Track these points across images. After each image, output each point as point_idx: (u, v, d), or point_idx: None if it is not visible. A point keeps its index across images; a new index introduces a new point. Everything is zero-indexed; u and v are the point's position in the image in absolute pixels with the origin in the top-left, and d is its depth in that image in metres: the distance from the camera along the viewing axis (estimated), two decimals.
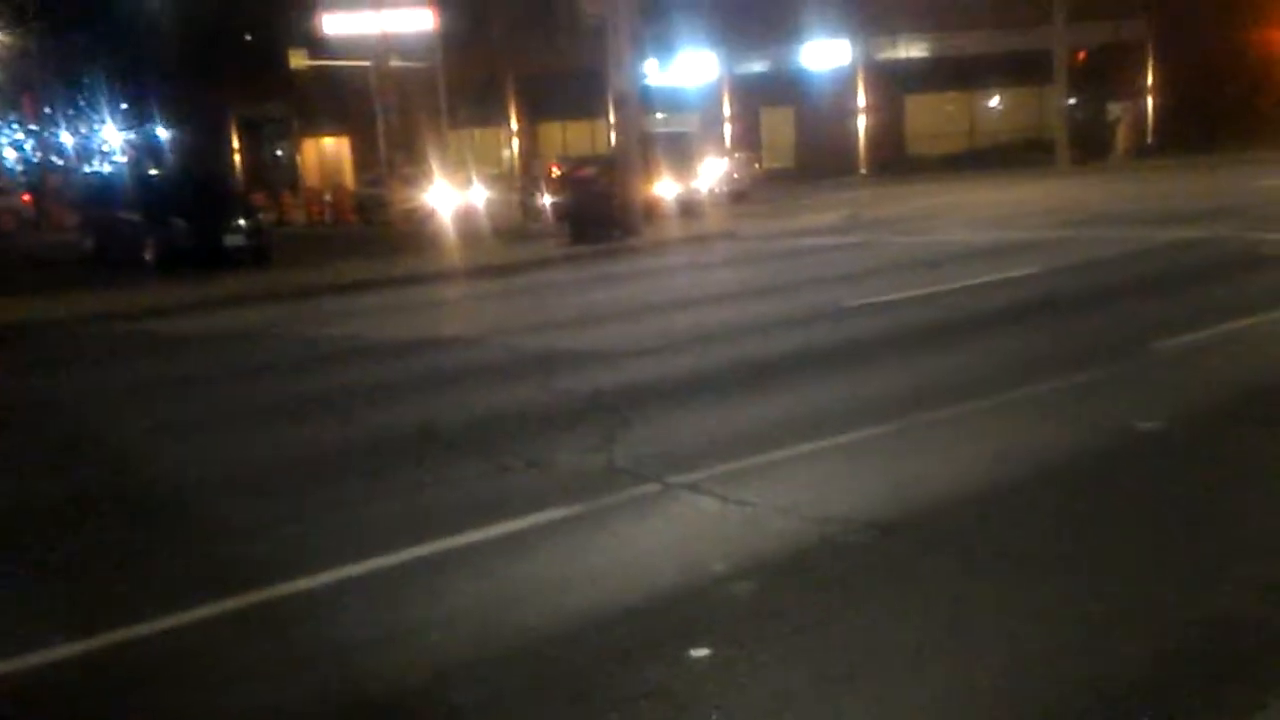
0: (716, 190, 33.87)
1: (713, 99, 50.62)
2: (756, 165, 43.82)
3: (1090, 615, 4.30)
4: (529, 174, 34.38)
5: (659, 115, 43.95)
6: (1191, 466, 6.11)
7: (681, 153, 31.98)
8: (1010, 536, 5.15)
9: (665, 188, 28.43)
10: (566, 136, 52.13)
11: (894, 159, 46.86)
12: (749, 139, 49.19)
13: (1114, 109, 45.97)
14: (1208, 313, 10.07)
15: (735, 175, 37.59)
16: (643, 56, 33.29)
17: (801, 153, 49.76)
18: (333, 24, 34.35)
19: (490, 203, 30.95)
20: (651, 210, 25.48)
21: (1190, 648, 4.03)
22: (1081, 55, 42.14)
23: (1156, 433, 6.71)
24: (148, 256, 21.73)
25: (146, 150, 66.18)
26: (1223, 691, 3.72)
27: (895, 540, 5.18)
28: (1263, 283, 12.10)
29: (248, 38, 52.78)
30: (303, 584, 5.09)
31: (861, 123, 48.65)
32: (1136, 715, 3.60)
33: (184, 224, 21.75)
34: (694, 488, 6.07)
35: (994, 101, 48.42)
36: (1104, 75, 44.02)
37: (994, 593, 4.57)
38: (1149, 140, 45.80)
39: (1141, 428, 6.79)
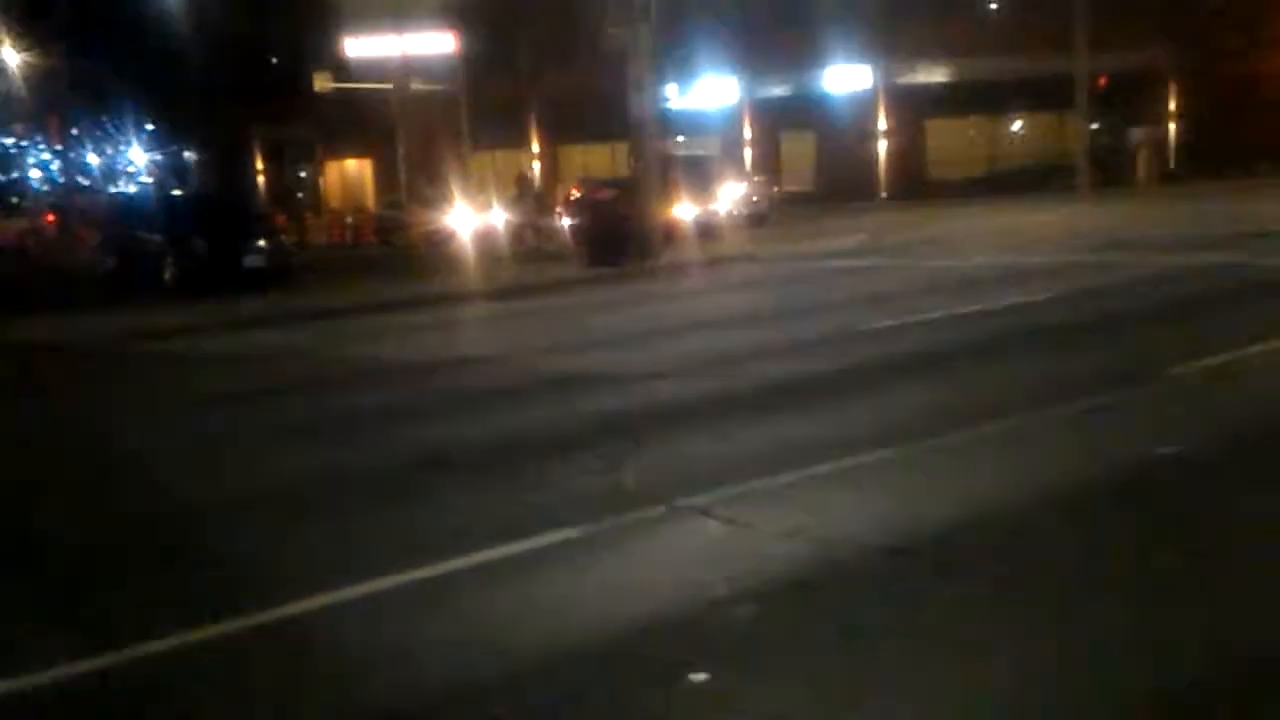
0: (735, 213, 33.83)
1: (733, 123, 50.72)
2: (776, 189, 43.80)
3: (1099, 642, 4.23)
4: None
5: (679, 138, 44.03)
6: (1208, 492, 6.02)
7: (701, 176, 31.95)
8: (1020, 561, 5.09)
9: (684, 211, 28.42)
10: (587, 159, 52.24)
11: (914, 183, 46.79)
12: (769, 163, 49.23)
13: (1136, 134, 45.83)
14: (1226, 338, 9.96)
15: (754, 199, 37.56)
16: (663, 80, 33.36)
17: (821, 177, 49.73)
18: (354, 47, 34.60)
19: (510, 225, 31.04)
20: (670, 233, 25.49)
21: (1200, 677, 3.96)
22: (1103, 81, 42.05)
23: (1173, 458, 6.63)
24: (167, 277, 21.84)
25: (171, 171, 66.74)
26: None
27: (902, 565, 5.12)
28: None
29: (272, 60, 53.24)
30: (312, 603, 5.07)
31: (882, 147, 48.62)
32: None
33: (204, 244, 21.85)
34: (702, 510, 6.03)
35: (1015, 126, 48.34)
36: (1126, 101, 43.92)
37: (1002, 618, 4.51)
38: (1171, 166, 45.62)
39: (1159, 453, 6.71)
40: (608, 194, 28.30)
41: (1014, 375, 9.42)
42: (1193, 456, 6.64)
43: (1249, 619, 4.40)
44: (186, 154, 66.65)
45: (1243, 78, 40.80)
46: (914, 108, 47.48)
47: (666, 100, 42.28)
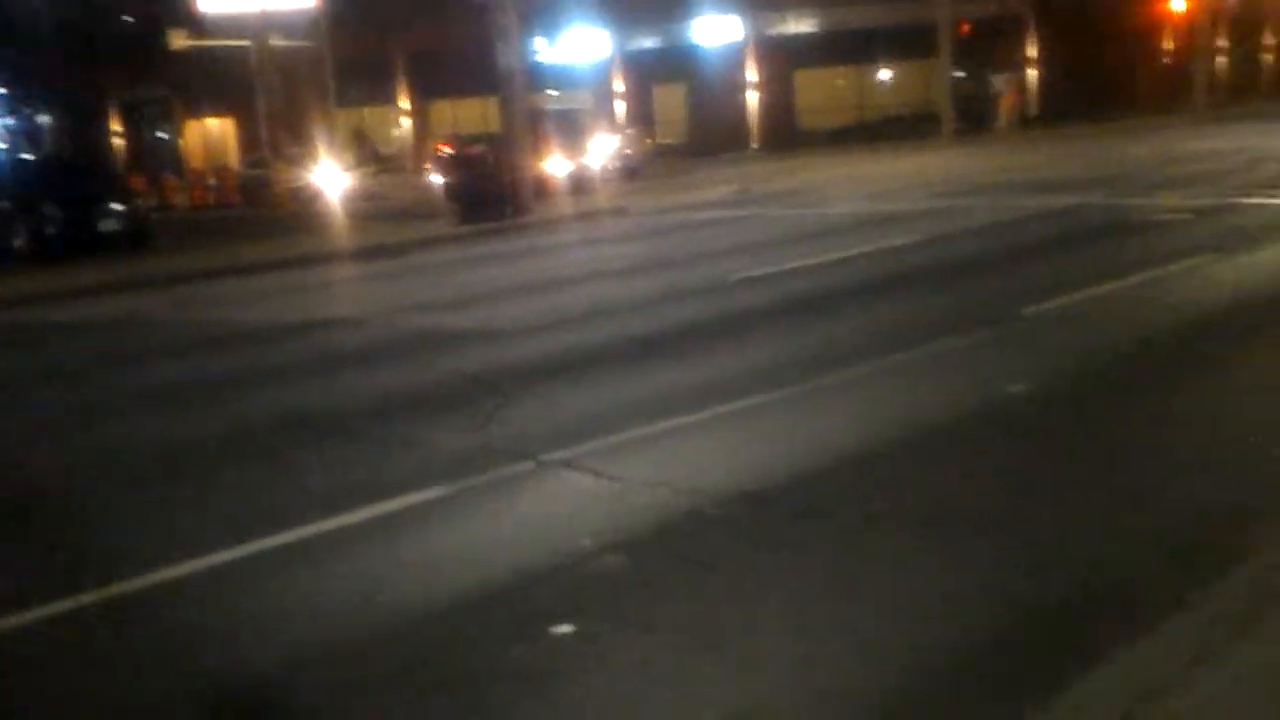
0: (608, 167, 33.74)
1: (604, 76, 50.49)
2: (648, 141, 43.80)
3: (957, 575, 4.37)
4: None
5: (552, 92, 43.65)
6: (1056, 426, 6.25)
7: (573, 130, 31.79)
8: (879, 501, 5.21)
9: (556, 165, 28.26)
10: (457, 115, 51.51)
11: (785, 134, 47.22)
12: (641, 115, 49.17)
13: (997, 80, 46.82)
14: (1077, 278, 10.30)
15: (627, 151, 37.49)
16: (531, 33, 32.92)
17: (693, 128, 49.89)
18: (210, 3, 33.38)
19: (380, 182, 30.52)
20: (542, 188, 25.32)
21: (1051, 604, 4.11)
22: (965, 28, 42.81)
23: (1024, 394, 6.85)
24: (18, 244, 21.04)
25: (24, 136, 63.93)
26: (1075, 648, 3.81)
27: (766, 509, 5.21)
28: (1131, 248, 12.43)
29: (126, 19, 51.18)
30: (170, 573, 4.98)
31: (753, 98, 48.91)
32: (996, 674, 3.67)
33: (56, 209, 21.08)
34: (569, 464, 6.04)
35: (883, 75, 49.01)
36: (988, 48, 44.81)
37: (863, 558, 4.62)
38: (1032, 111, 46.78)
39: (1009, 390, 6.92)
40: (478, 150, 27.96)
41: (875, 320, 9.60)
42: (1040, 393, 6.87)
43: (1091, 543, 4.57)
44: (40, 118, 63.86)
45: (1103, 22, 41.90)
46: (784, 58, 47.80)
47: (535, 53, 41.87)
